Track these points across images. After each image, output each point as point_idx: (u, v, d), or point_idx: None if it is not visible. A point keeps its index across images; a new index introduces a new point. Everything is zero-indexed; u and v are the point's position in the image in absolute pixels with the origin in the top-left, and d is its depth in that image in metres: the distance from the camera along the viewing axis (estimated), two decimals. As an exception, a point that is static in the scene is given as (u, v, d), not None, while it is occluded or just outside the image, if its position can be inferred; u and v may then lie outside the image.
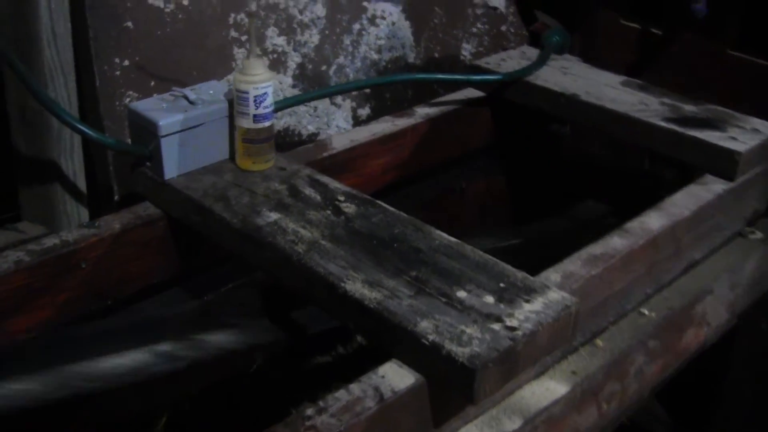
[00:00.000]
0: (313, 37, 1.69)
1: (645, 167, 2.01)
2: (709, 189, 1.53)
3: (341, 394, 1.02)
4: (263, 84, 1.31)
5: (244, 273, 1.49)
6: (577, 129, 2.05)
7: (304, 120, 1.72)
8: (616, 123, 1.67)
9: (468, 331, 1.05)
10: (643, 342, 1.40)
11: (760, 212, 1.71)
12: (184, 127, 1.32)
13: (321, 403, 1.01)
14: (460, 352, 1.02)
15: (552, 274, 1.26)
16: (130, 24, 1.44)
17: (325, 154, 1.54)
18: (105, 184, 1.51)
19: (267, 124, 1.34)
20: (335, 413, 1.00)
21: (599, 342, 1.35)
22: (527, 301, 1.11)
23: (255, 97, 1.31)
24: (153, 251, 1.39)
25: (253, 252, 1.23)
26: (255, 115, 1.32)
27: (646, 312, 1.43)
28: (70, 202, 1.51)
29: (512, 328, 1.06)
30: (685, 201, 1.49)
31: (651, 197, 1.94)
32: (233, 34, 1.57)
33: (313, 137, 1.73)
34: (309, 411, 1.00)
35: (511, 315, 1.09)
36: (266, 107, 1.32)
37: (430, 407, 1.09)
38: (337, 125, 1.77)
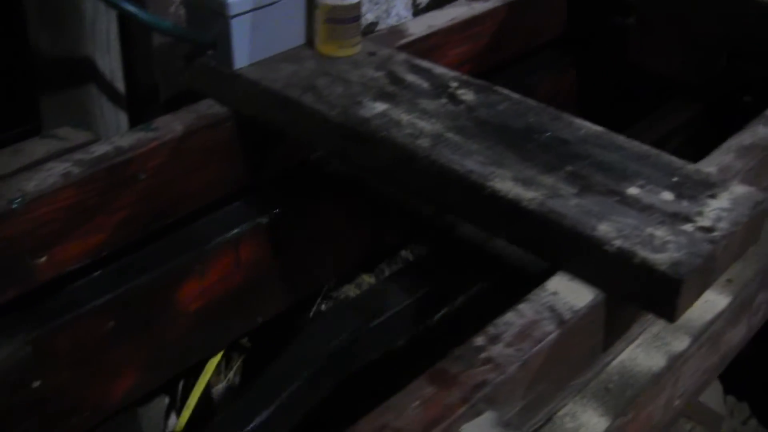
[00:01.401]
0: None
1: (722, 65, 1.82)
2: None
3: (511, 317, 0.83)
4: (354, -50, 1.08)
5: (318, 181, 1.28)
6: (645, 22, 1.84)
7: (363, 8, 1.48)
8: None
9: (658, 234, 0.86)
10: (788, 245, 1.22)
11: None
12: (256, 5, 1.10)
13: (492, 330, 0.81)
14: (658, 259, 0.82)
15: (707, 167, 1.06)
16: None
17: (401, 42, 1.32)
18: (147, 84, 1.28)
19: (355, 0, 1.11)
20: (511, 341, 0.80)
21: (754, 243, 1.16)
22: (712, 197, 0.92)
23: (344, -35, 1.08)
24: (218, 158, 1.17)
25: (360, 150, 1.02)
26: (343, -11, 1.09)
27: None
28: (107, 107, 1.28)
29: (707, 229, 0.87)
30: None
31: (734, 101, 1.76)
32: None
33: (372, 27, 1.51)
34: (480, 340, 0.80)
35: (700, 214, 0.89)
36: (356, -22, 1.10)
37: (604, 328, 0.89)
38: (398, 13, 1.54)
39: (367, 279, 1.52)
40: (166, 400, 1.47)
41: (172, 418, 1.44)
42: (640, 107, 1.82)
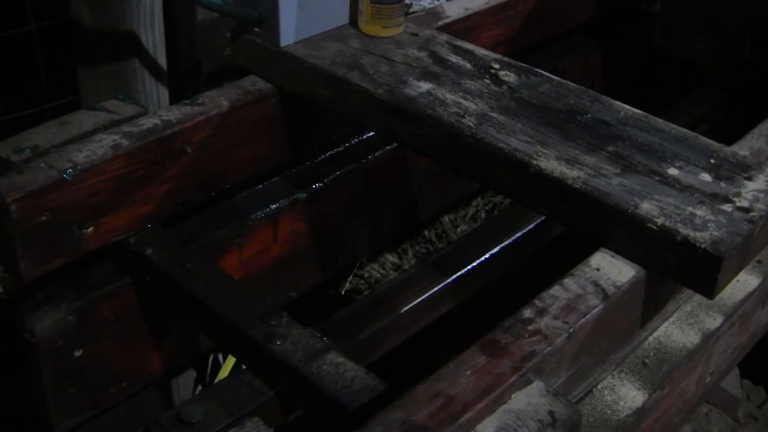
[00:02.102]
0: None
1: (744, 54, 1.83)
2: None
3: (557, 291, 0.86)
4: (401, -70, 1.10)
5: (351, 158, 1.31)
6: (670, 8, 1.86)
7: (397, -11, 1.50)
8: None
9: (698, 213, 0.88)
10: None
11: None
12: (304, -16, 1.11)
13: (538, 303, 0.84)
14: (700, 237, 0.85)
15: (740, 150, 1.09)
16: None
17: (437, 24, 1.34)
18: (190, 58, 1.30)
19: (401, -20, 1.14)
20: (558, 314, 0.83)
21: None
22: (749, 179, 0.94)
23: (391, -54, 1.10)
24: (262, 133, 1.19)
25: (406, 128, 1.04)
26: (390, -31, 1.12)
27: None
28: (149, 81, 1.30)
29: (746, 209, 0.90)
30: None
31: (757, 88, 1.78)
32: None
33: (406, 8, 1.52)
34: (527, 312, 0.83)
35: (738, 195, 0.92)
36: (402, -40, 1.12)
37: (644, 304, 0.92)
38: (431, -5, 1.56)
39: (391, 259, 1.54)
40: (194, 374, 1.50)
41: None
42: (666, 93, 1.84)
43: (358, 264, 1.56)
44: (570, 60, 1.68)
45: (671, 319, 1.02)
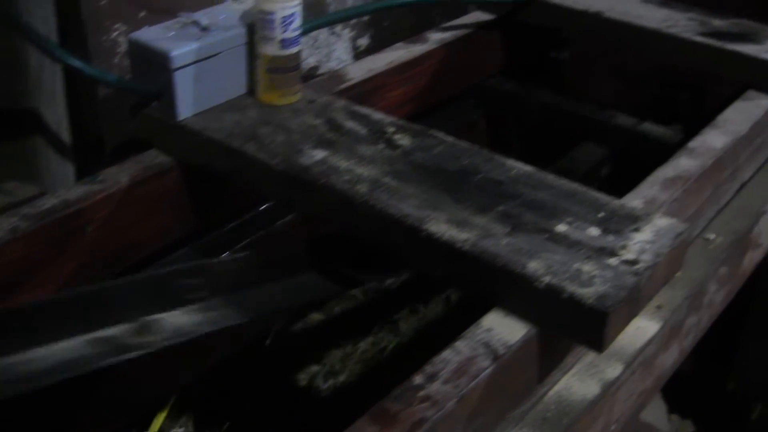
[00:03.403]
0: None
1: (654, 92, 1.89)
2: (757, 104, 1.41)
3: (448, 355, 0.87)
4: (291, 3, 1.12)
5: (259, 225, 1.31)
6: (579, 55, 1.91)
7: (304, 53, 1.52)
8: (647, 40, 1.53)
9: (585, 269, 0.91)
10: (715, 269, 1.28)
11: (791, 128, 1.60)
12: (199, 57, 1.13)
13: (429, 368, 0.85)
14: (585, 293, 0.87)
15: (633, 200, 1.12)
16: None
17: (342, 87, 1.36)
18: (93, 134, 1.30)
19: (296, 49, 1.16)
20: (449, 378, 0.84)
21: (678, 272, 1.22)
22: (636, 231, 0.97)
23: (282, 18, 1.12)
24: (165, 207, 1.20)
25: (302, 197, 1.06)
26: (283, 40, 1.14)
27: (711, 237, 1.31)
28: (54, 158, 1.30)
29: (632, 262, 0.92)
30: (738, 117, 1.37)
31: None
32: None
33: (313, 71, 1.55)
34: (418, 379, 0.84)
35: (624, 247, 0.94)
36: (295, 30, 1.14)
37: (538, 360, 0.94)
38: (338, 57, 1.59)
39: (316, 317, 1.55)
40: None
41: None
42: (571, 141, 1.89)
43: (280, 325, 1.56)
44: (480, 112, 1.71)
45: (571, 372, 1.03)
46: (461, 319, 0.95)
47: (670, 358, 1.20)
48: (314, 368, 1.61)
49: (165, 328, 1.06)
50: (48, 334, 0.99)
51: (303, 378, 1.60)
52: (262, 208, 1.29)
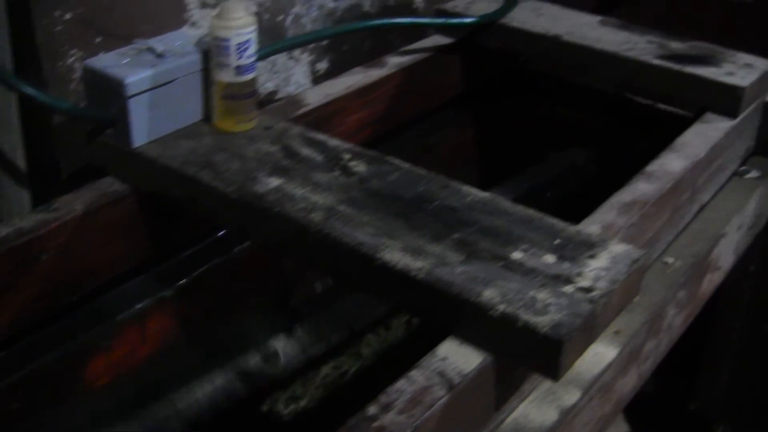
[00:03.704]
0: (267, -16, 1.50)
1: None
2: (715, 127, 1.43)
3: (403, 385, 0.86)
4: (246, 29, 1.12)
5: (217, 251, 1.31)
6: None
7: (262, 77, 1.52)
8: (605, 63, 1.54)
9: (540, 297, 0.90)
10: (673, 293, 1.28)
11: (751, 150, 1.62)
12: (154, 84, 1.12)
13: (383, 399, 0.84)
14: (540, 322, 0.87)
15: (590, 226, 1.12)
16: (69, -30, 1.22)
17: (299, 112, 1.36)
18: (48, 161, 1.29)
19: (251, 76, 1.15)
20: (403, 408, 0.83)
21: (635, 297, 1.22)
22: (592, 257, 0.97)
23: (237, 44, 1.12)
24: (121, 234, 1.18)
25: (256, 225, 1.05)
26: (238, 67, 1.13)
27: (670, 261, 1.32)
28: (9, 186, 1.28)
29: (587, 289, 0.92)
30: (696, 141, 1.38)
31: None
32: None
33: (272, 96, 1.54)
34: (372, 409, 0.83)
35: (580, 274, 0.94)
36: (250, 56, 1.13)
37: (495, 388, 0.94)
38: (297, 81, 1.58)
39: (276, 344, 1.54)
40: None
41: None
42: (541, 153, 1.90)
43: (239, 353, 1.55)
44: (442, 135, 1.72)
45: (529, 399, 1.03)
46: (423, 342, 0.95)
47: (629, 383, 1.20)
48: (276, 393, 1.60)
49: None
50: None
51: (264, 403, 1.59)
52: (219, 234, 1.28)
